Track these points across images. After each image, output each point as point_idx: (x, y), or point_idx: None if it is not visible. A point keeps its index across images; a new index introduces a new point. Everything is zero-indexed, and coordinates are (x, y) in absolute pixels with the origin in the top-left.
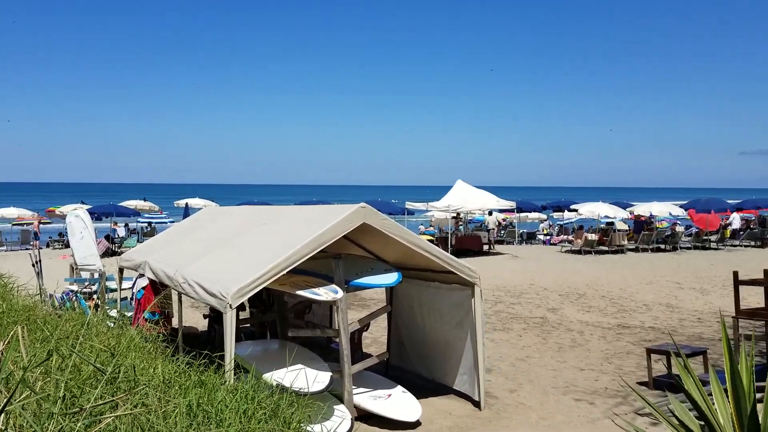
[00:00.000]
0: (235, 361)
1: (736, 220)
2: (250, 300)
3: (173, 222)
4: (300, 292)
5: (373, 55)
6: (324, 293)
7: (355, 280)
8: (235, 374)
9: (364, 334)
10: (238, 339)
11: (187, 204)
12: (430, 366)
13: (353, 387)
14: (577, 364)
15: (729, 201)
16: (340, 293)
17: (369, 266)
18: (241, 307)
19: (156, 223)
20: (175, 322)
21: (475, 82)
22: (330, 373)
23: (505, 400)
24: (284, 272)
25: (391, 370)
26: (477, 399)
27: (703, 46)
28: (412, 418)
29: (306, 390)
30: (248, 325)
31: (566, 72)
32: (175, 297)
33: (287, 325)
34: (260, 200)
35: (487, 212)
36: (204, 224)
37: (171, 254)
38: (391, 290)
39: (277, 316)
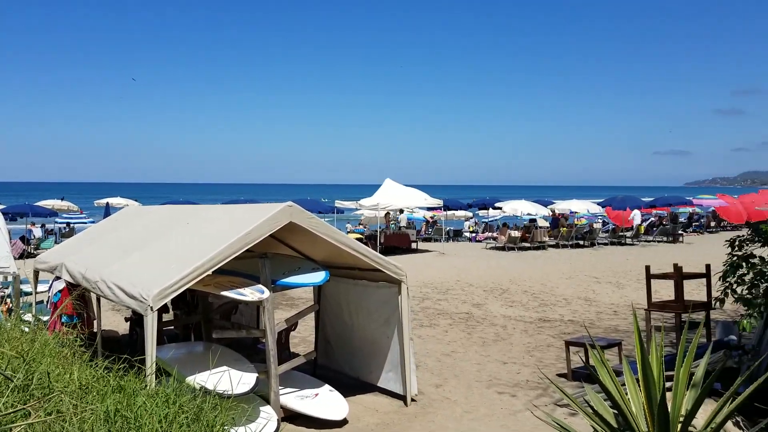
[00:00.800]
0: (156, 364)
1: (637, 216)
2: (173, 301)
3: (93, 222)
4: (225, 293)
5: (305, 54)
6: (250, 293)
7: (282, 280)
8: (156, 378)
9: (292, 333)
10: (161, 342)
11: (108, 203)
12: (358, 364)
13: (280, 387)
14: (500, 357)
15: (643, 199)
16: (267, 293)
17: (296, 265)
18: (164, 309)
19: (75, 223)
20: (94, 326)
21: (405, 82)
22: (256, 374)
23: (431, 395)
24: (208, 273)
25: (319, 369)
26: (403, 395)
27: (619, 52)
28: (339, 417)
29: (230, 392)
30: (172, 327)
31: (490, 73)
32: (94, 300)
33: (212, 327)
34: (185, 199)
35: (398, 211)
36: (125, 224)
37: (89, 255)
38: (318, 289)
39: (202, 318)
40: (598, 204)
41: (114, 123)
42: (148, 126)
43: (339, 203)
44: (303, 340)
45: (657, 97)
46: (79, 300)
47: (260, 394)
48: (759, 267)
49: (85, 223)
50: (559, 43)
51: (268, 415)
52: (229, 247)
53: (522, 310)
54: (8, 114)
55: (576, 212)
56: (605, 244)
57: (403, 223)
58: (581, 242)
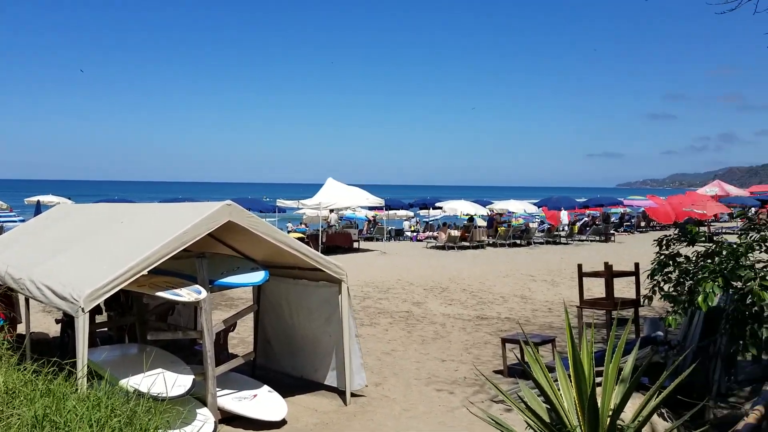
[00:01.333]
0: (88, 367)
1: (564, 216)
2: (106, 303)
3: (23, 221)
4: (160, 294)
5: (247, 54)
6: (186, 294)
7: (220, 280)
8: (88, 382)
9: (231, 334)
10: (93, 344)
11: (39, 201)
12: (298, 363)
13: (218, 389)
14: (439, 355)
15: (577, 199)
16: (204, 293)
17: (235, 265)
18: (97, 311)
19: (4, 221)
20: (21, 328)
21: (345, 79)
22: (192, 376)
23: (371, 394)
24: (143, 273)
25: (260, 370)
26: (343, 395)
27: (555, 56)
28: (277, 417)
29: (165, 394)
30: (105, 329)
31: (428, 74)
32: (22, 301)
33: (147, 329)
34: (121, 197)
35: (328, 210)
36: (56, 222)
37: (17, 254)
38: (258, 289)
39: (137, 319)
40: (535, 204)
41: (50, 117)
42: (84, 121)
43: (280, 202)
44: (242, 341)
45: (591, 100)
46: (5, 301)
47: (197, 397)
48: (684, 265)
49: (15, 221)
50: (500, 46)
51: (204, 417)
52: (165, 246)
53: (461, 308)
54: None
55: (514, 212)
56: (541, 243)
57: (332, 223)
58: (518, 241)
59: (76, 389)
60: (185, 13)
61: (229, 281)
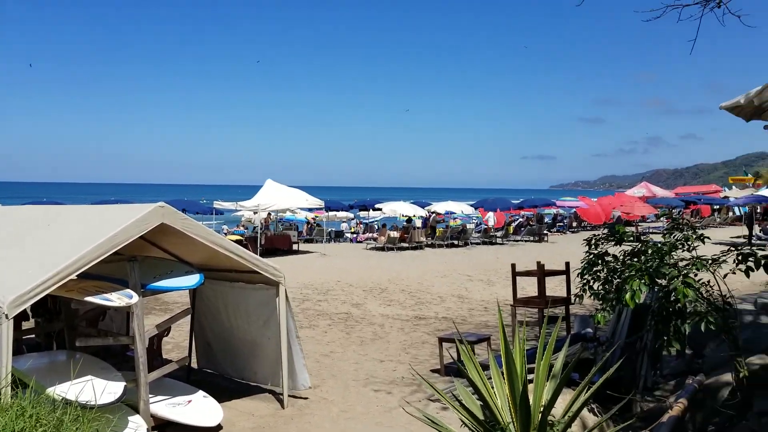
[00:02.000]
0: (12, 375)
1: (491, 218)
2: (33, 308)
3: None
4: (89, 299)
5: (185, 53)
6: (116, 298)
7: (153, 284)
8: (12, 390)
9: (167, 339)
10: (19, 352)
11: None
12: (238, 366)
13: (151, 395)
14: (377, 356)
15: (513, 201)
16: (135, 298)
17: (168, 268)
18: (24, 317)
19: None
20: None
21: (287, 82)
22: (124, 383)
23: (309, 396)
24: (72, 277)
25: (198, 374)
26: (281, 398)
27: (490, 61)
28: (212, 423)
29: (94, 402)
30: (33, 336)
31: (369, 76)
32: None
33: (76, 335)
34: (50, 199)
35: (252, 212)
36: None
37: None
38: (194, 292)
39: (65, 325)
40: (472, 205)
41: None
42: (7, 120)
43: (218, 204)
44: (177, 345)
45: (526, 105)
46: None
47: (129, 404)
48: (612, 264)
49: None
50: (438, 50)
51: (136, 425)
52: (94, 249)
53: (399, 308)
54: None
55: (452, 213)
56: (478, 243)
57: (257, 224)
58: (455, 242)
59: None
60: (109, 12)
61: (162, 285)
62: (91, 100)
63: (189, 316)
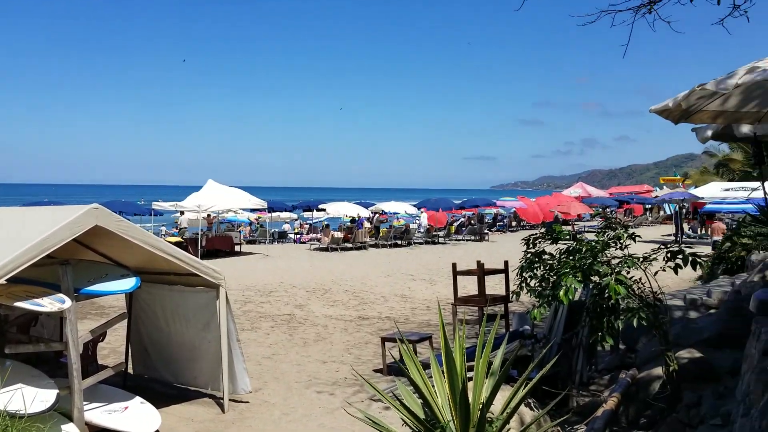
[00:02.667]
0: None
1: (423, 218)
2: None
3: None
4: (19, 304)
5: (123, 47)
6: (48, 303)
7: (87, 288)
8: None
9: (102, 344)
10: None
11: None
12: (176, 371)
13: (85, 403)
14: (320, 357)
15: (455, 201)
16: (68, 302)
17: (103, 272)
18: None
19: None
20: None
21: (229, 82)
22: (56, 390)
23: (251, 400)
24: (1, 282)
25: (135, 380)
26: (222, 402)
27: (434, 63)
28: (150, 430)
29: (24, 411)
30: None
31: (312, 74)
32: None
33: (5, 341)
34: None
35: (208, 213)
36: None
37: None
38: (131, 296)
39: None
40: (414, 206)
41: None
42: None
43: (157, 205)
44: (113, 350)
45: (466, 106)
46: None
47: (62, 412)
48: (549, 263)
49: None
50: (392, 53)
51: None
52: (24, 252)
53: (343, 309)
54: None
55: (396, 213)
56: (420, 243)
57: (184, 225)
58: (399, 242)
59: None
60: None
61: (97, 289)
62: (20, 96)
63: (125, 321)
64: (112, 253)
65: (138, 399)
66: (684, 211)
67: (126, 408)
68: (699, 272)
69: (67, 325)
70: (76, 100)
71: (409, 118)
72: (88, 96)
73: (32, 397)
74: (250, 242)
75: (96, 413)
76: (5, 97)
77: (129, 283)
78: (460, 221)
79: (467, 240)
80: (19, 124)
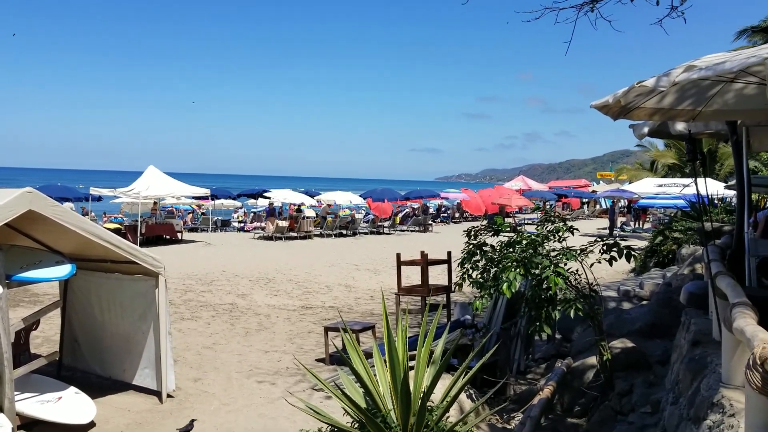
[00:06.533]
0: None
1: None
2: None
3: None
4: None
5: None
6: None
7: (19, 275)
8: None
9: (35, 333)
10: None
11: None
12: (109, 362)
13: (17, 393)
14: (262, 347)
15: (400, 191)
16: (0, 289)
17: (36, 258)
18: None
19: None
20: None
21: (173, 69)
22: None
23: (189, 390)
24: None
25: (67, 371)
26: (159, 392)
27: (383, 55)
28: (84, 420)
29: None
30: None
31: (259, 63)
32: None
33: None
34: None
35: (152, 201)
36: None
37: None
38: (65, 283)
39: None
40: (360, 196)
41: None
42: None
43: (95, 190)
44: (47, 339)
45: (414, 99)
46: None
47: None
48: (490, 254)
49: None
50: (331, 42)
51: (0, 425)
52: None
53: (286, 298)
54: None
55: (340, 203)
56: (366, 233)
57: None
58: (344, 232)
59: None
60: None
61: (30, 276)
62: None
63: (59, 309)
64: (47, 239)
65: (72, 389)
66: (619, 206)
67: (60, 398)
68: (632, 265)
69: None
70: (13, 78)
71: (360, 111)
72: (27, 75)
73: None
74: (192, 230)
75: (28, 403)
76: None
77: (64, 270)
78: (405, 212)
79: (412, 231)
80: None
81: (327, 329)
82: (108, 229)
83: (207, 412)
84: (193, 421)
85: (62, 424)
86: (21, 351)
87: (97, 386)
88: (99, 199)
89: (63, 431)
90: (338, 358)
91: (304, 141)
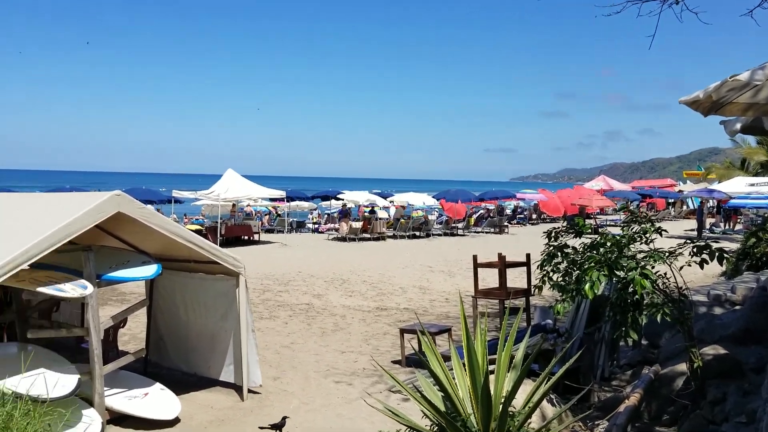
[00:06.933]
0: None
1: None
2: None
3: None
4: (41, 289)
5: (149, 44)
6: (70, 289)
7: (109, 274)
8: None
9: (123, 330)
10: None
11: None
12: (193, 360)
13: (106, 388)
14: (338, 347)
15: (474, 192)
16: (90, 288)
17: (125, 258)
18: None
19: None
20: None
21: (248, 75)
22: (77, 376)
23: (269, 388)
24: (23, 267)
25: (153, 367)
26: (240, 390)
27: (456, 57)
28: (170, 416)
29: (46, 396)
30: None
31: (335, 68)
32: None
33: (28, 326)
34: (3, 186)
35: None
36: None
37: None
38: (151, 283)
39: (16, 317)
40: (434, 197)
41: None
42: None
43: (177, 193)
44: (134, 337)
45: (490, 98)
46: None
47: (84, 397)
48: (572, 256)
49: None
50: (410, 41)
51: (90, 419)
52: (47, 239)
53: (361, 299)
54: None
55: (413, 204)
56: (439, 234)
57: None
58: (417, 233)
59: None
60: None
61: (118, 275)
62: (45, 84)
63: (146, 308)
64: (134, 240)
65: (158, 385)
66: (708, 206)
67: (146, 394)
68: (723, 268)
69: (88, 311)
70: (101, 87)
71: (430, 110)
72: (117, 84)
73: (54, 382)
74: (268, 231)
75: (116, 399)
76: (31, 84)
77: (150, 269)
78: (479, 213)
79: (486, 232)
80: (39, 111)
81: (403, 331)
82: (190, 230)
83: (287, 411)
84: (285, 418)
85: (149, 419)
86: (110, 348)
87: (181, 383)
88: (181, 202)
89: (149, 426)
90: (414, 360)
91: (376, 143)
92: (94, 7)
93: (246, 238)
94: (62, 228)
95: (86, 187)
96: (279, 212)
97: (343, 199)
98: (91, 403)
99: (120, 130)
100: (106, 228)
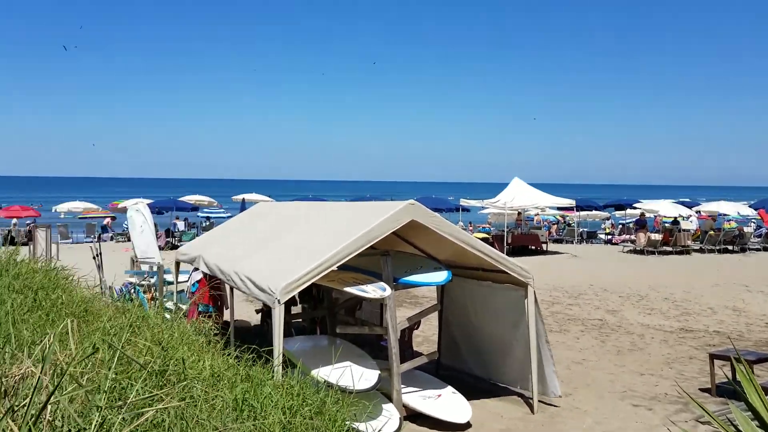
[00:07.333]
0: (283, 356)
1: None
2: (300, 295)
3: (230, 217)
4: (347, 289)
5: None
6: (372, 290)
7: (404, 278)
8: (283, 369)
9: (415, 332)
10: (288, 334)
11: (243, 199)
12: (485, 366)
13: (402, 386)
14: (636, 368)
15: None
16: (388, 291)
17: (418, 264)
18: (293, 302)
19: (214, 217)
20: (227, 315)
21: (530, 80)
22: (378, 371)
23: (560, 404)
24: (332, 268)
25: (443, 370)
26: (531, 402)
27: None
28: (462, 420)
29: (352, 387)
30: (300, 320)
31: (626, 71)
32: (228, 291)
33: (336, 322)
34: (315, 196)
35: (517, 211)
36: (258, 219)
37: (225, 249)
38: (442, 289)
39: (327, 312)
40: (750, 206)
41: (249, 122)
42: (284, 125)
43: (464, 202)
44: (426, 339)
45: None
46: (215, 290)
47: (383, 392)
48: None
49: (223, 217)
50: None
51: (389, 413)
52: (352, 243)
53: (662, 318)
54: (159, 117)
55: (725, 215)
56: (757, 249)
57: (503, 222)
58: (730, 247)
59: (272, 376)
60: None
61: (413, 280)
62: (345, 101)
63: (437, 312)
64: (425, 246)
65: (450, 388)
66: None
67: (439, 396)
68: None
69: (387, 312)
70: (398, 106)
71: (739, 105)
72: (403, 101)
73: (358, 376)
74: (556, 241)
75: (412, 397)
76: (332, 100)
77: (442, 275)
78: None
79: None
80: (344, 127)
81: (713, 356)
82: (476, 238)
83: (579, 429)
84: None
85: (442, 420)
86: (405, 347)
87: (470, 388)
88: (467, 210)
89: (441, 427)
90: (727, 390)
91: (675, 145)
92: None
93: (533, 247)
94: (364, 234)
95: (382, 197)
96: (568, 221)
97: (640, 208)
98: (389, 399)
99: (410, 141)
100: (401, 234)
